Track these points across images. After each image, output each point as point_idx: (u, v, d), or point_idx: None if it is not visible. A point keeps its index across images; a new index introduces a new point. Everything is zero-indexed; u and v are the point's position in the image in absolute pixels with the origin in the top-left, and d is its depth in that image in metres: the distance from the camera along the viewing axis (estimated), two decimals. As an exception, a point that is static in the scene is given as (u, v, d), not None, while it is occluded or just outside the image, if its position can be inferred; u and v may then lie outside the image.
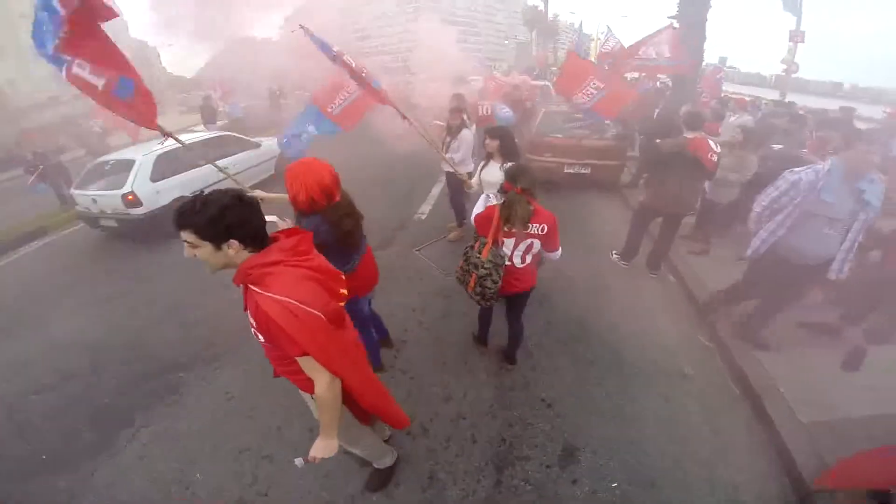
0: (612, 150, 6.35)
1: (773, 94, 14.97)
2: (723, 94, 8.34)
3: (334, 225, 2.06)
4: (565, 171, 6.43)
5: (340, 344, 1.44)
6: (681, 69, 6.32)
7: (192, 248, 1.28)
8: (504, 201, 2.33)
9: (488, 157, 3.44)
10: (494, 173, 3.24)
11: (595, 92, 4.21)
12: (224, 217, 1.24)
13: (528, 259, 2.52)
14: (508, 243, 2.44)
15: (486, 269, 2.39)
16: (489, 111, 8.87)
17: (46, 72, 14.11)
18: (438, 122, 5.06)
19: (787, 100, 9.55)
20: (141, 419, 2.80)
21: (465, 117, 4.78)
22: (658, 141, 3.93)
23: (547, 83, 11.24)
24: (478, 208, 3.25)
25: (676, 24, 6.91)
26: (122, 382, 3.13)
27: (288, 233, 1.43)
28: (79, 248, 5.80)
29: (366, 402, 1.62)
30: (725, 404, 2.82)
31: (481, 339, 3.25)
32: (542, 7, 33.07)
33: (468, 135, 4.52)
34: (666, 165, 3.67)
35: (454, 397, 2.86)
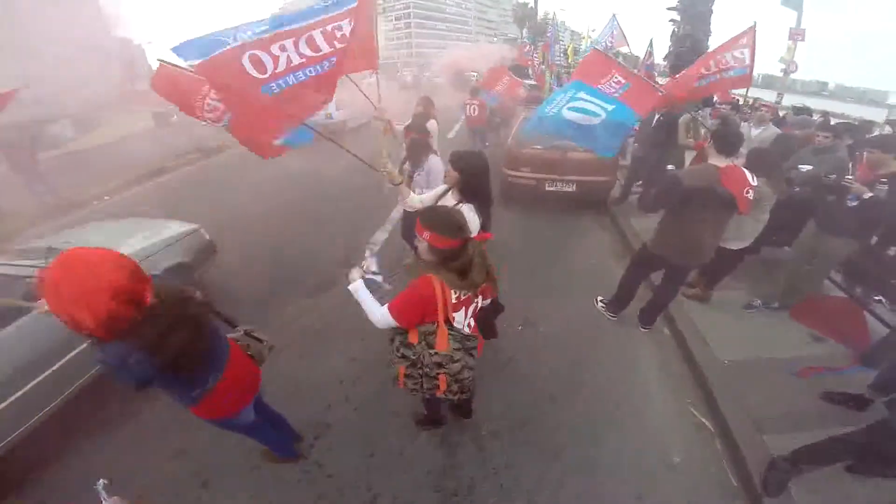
0: (601, 164, 5.28)
1: (766, 95, 14.43)
2: (733, 98, 6.69)
3: (154, 350, 1.30)
4: (546, 188, 5.50)
5: None
6: (745, 79, 4.34)
7: None
8: (449, 258, 1.63)
9: (448, 188, 2.54)
10: None
11: (618, 86, 3.13)
12: None
13: (473, 322, 1.87)
14: (460, 316, 1.76)
15: (457, 361, 1.77)
16: (475, 112, 8.18)
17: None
18: (379, 120, 3.60)
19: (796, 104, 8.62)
20: None
21: (431, 137, 3.65)
22: (674, 169, 3.16)
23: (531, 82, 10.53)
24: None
25: (677, 17, 6.11)
26: None
27: None
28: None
29: None
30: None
31: (427, 422, 2.54)
32: (532, 4, 32.39)
33: (437, 165, 3.20)
34: (686, 202, 2.67)
35: (380, 505, 2.15)
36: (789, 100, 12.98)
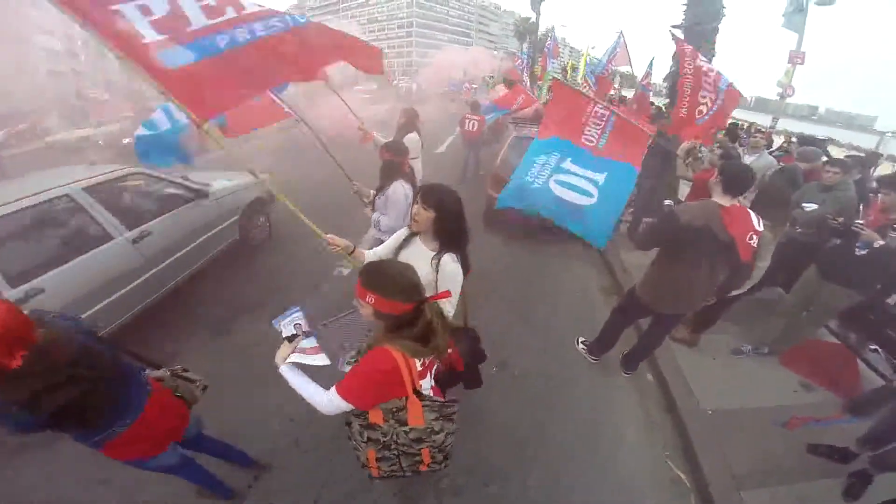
0: None
1: (759, 119, 14.38)
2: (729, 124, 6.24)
3: (28, 407, 1.19)
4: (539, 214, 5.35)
5: None
6: (733, 93, 4.35)
7: None
8: (403, 325, 1.36)
9: (412, 233, 2.00)
10: (417, 262, 1.78)
11: (602, 123, 2.53)
12: None
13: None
14: (427, 382, 1.51)
15: (438, 430, 1.52)
16: (475, 127, 7.98)
17: None
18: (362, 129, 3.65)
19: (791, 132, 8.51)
20: None
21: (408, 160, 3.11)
22: (671, 204, 2.82)
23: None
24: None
25: (681, 35, 5.80)
26: None
27: None
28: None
29: None
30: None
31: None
32: (534, 19, 32.55)
33: (399, 192, 2.77)
34: (680, 242, 2.38)
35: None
36: (782, 124, 12.97)
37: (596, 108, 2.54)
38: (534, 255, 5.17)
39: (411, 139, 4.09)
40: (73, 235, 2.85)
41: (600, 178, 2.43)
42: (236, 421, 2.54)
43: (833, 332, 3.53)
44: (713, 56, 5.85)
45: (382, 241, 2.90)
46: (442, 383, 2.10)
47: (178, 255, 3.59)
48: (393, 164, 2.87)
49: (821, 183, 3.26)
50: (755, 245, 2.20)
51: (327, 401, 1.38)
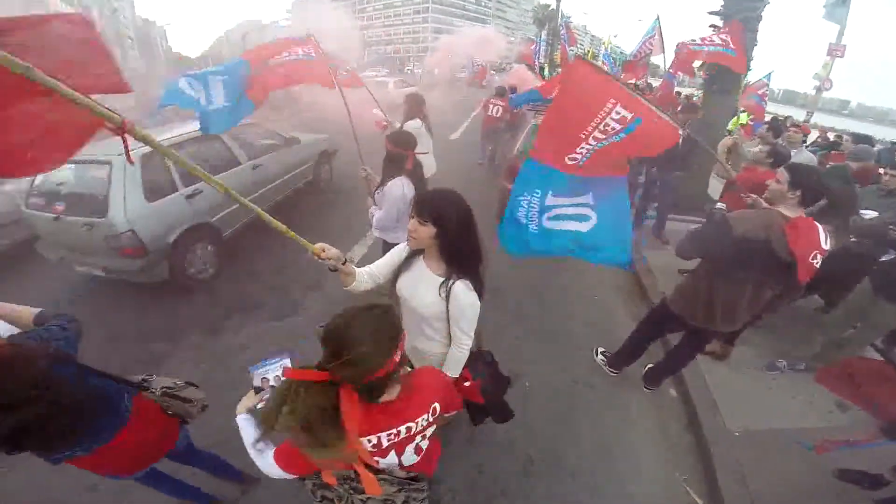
0: None
1: (788, 112, 13.59)
2: (769, 119, 6.02)
3: None
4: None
5: None
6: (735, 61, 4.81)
7: None
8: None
9: (414, 249, 1.62)
10: (420, 289, 1.56)
11: (620, 125, 1.90)
12: None
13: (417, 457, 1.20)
14: (390, 459, 1.14)
15: (402, 502, 1.23)
16: (499, 112, 7.64)
17: None
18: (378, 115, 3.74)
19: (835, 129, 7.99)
20: None
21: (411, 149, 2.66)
22: (722, 209, 2.40)
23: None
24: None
25: (720, 23, 5.46)
26: None
27: None
28: None
29: None
30: None
31: None
32: (553, 6, 31.53)
33: (397, 187, 2.47)
34: (727, 258, 2.04)
35: None
36: (816, 119, 12.24)
37: (617, 109, 1.91)
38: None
39: (412, 125, 3.84)
40: (218, 158, 4.27)
41: (588, 198, 2.12)
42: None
43: (878, 349, 3.22)
44: (755, 46, 5.36)
45: (383, 241, 2.71)
46: (471, 417, 1.84)
47: (277, 182, 5.02)
48: (395, 157, 2.54)
49: (881, 187, 2.94)
50: (818, 266, 1.87)
51: (268, 465, 1.12)
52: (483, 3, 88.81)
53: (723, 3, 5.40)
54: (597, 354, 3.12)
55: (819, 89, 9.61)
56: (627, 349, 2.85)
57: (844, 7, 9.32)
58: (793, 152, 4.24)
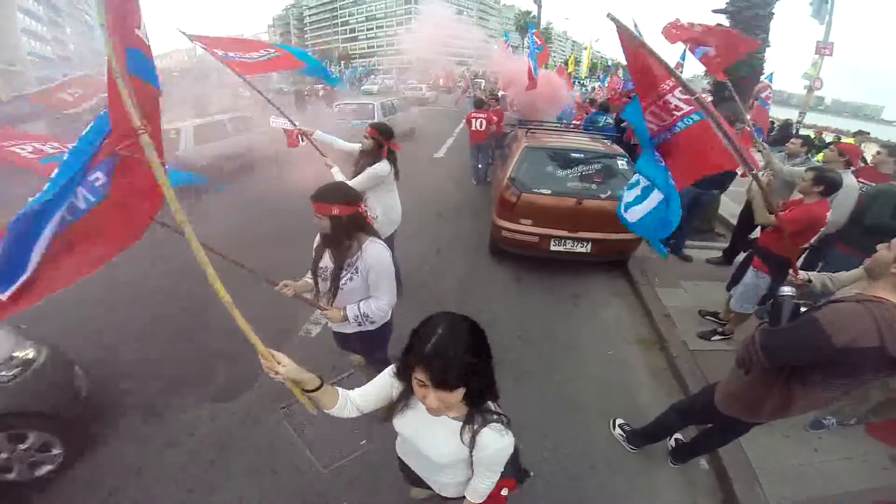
0: None
1: (778, 112, 13.48)
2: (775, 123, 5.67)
3: None
4: (551, 247, 4.16)
5: None
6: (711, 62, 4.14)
7: None
8: None
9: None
10: (438, 438, 1.20)
11: (678, 114, 1.93)
12: None
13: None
14: None
15: None
16: (482, 126, 6.97)
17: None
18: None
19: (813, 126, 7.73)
20: None
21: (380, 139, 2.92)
22: (792, 296, 1.65)
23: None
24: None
25: (726, 23, 5.01)
26: None
27: None
28: None
29: None
30: None
31: None
32: (535, 14, 31.56)
33: (383, 256, 1.86)
34: (829, 368, 1.49)
35: None
36: (779, 113, 12.06)
37: (676, 93, 1.94)
38: (551, 295, 4.13)
39: (380, 169, 2.98)
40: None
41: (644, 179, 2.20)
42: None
43: None
44: (767, 47, 4.88)
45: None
46: None
47: None
48: (351, 220, 1.80)
49: None
50: None
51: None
52: (465, 13, 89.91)
53: (728, 1, 5.01)
54: (614, 427, 2.63)
55: (810, 88, 9.47)
56: (652, 431, 2.39)
57: (827, 4, 9.23)
58: (794, 160, 3.80)
